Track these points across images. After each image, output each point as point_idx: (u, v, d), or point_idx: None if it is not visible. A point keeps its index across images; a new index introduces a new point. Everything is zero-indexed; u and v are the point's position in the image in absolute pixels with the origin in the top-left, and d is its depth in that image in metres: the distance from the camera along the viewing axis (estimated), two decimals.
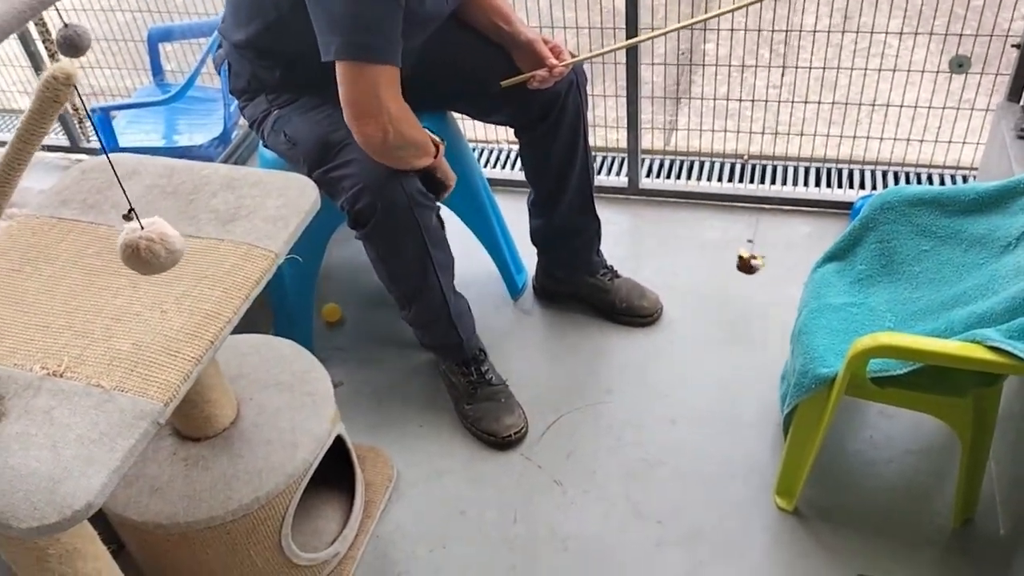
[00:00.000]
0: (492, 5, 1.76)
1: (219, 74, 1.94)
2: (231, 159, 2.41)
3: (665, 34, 1.79)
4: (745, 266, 2.11)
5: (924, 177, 2.38)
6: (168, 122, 2.55)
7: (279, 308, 2.04)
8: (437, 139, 1.65)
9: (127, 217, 0.93)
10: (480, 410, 1.83)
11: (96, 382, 1.07)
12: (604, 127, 2.50)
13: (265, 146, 1.79)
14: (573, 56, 1.76)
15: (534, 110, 1.80)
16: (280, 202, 1.33)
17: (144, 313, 1.17)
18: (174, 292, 1.20)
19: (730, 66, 2.46)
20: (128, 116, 2.56)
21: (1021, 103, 1.99)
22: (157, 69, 2.57)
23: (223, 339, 1.16)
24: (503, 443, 1.81)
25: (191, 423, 1.44)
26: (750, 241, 2.08)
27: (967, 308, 1.40)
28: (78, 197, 1.39)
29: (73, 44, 1.62)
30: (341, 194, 1.59)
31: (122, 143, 2.40)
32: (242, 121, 2.58)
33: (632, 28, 2.16)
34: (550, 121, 1.80)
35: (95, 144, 2.83)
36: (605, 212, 2.10)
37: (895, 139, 2.37)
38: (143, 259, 0.94)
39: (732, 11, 1.72)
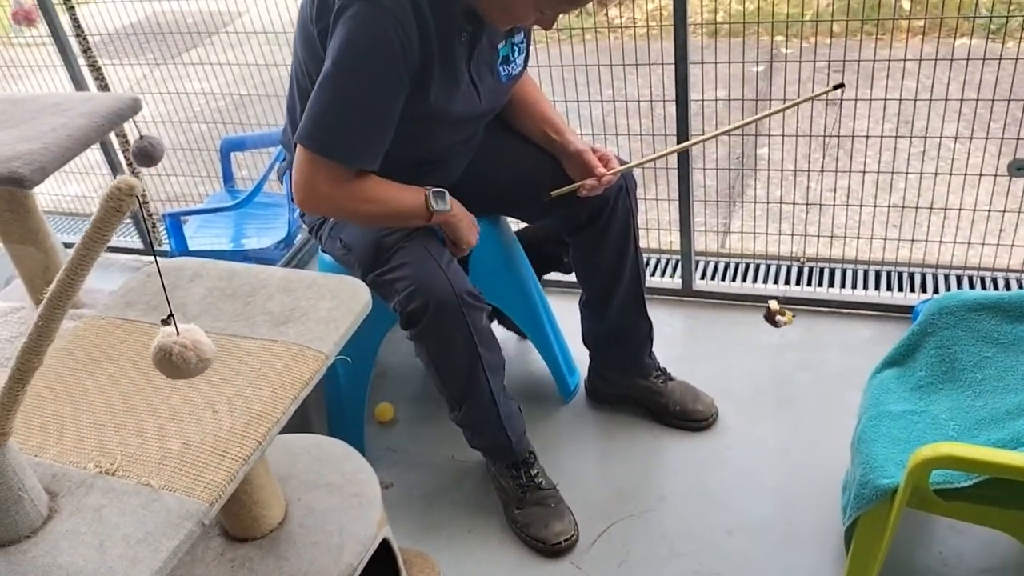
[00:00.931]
0: (543, 115, 1.82)
1: (282, 182, 2.02)
2: (293, 261, 2.49)
3: (710, 139, 1.83)
4: (770, 318, 2.07)
5: (988, 280, 2.32)
6: (236, 226, 2.66)
7: (333, 408, 2.07)
8: (432, 197, 1.63)
9: (165, 322, 0.97)
10: (529, 515, 1.80)
11: (146, 481, 1.09)
12: (658, 229, 2.52)
13: (323, 251, 1.85)
14: (622, 163, 1.80)
15: (583, 216, 1.83)
16: (333, 304, 1.37)
17: (196, 413, 1.19)
18: (226, 392, 1.22)
19: (783, 170, 2.48)
20: (199, 221, 2.68)
21: None
22: (228, 176, 2.70)
23: (271, 439, 1.17)
24: (553, 551, 1.77)
25: (239, 523, 1.44)
26: (776, 298, 2.07)
27: None
28: (143, 299, 1.45)
29: (147, 154, 1.72)
30: (394, 296, 1.63)
31: (192, 246, 2.51)
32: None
33: (683, 134, 2.20)
34: (599, 226, 1.83)
35: (167, 247, 2.96)
36: (659, 314, 2.10)
37: (955, 243, 2.33)
38: (173, 363, 0.97)
39: (783, 110, 1.75)
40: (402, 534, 1.83)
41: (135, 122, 1.82)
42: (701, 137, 1.87)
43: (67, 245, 1.95)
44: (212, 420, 1.18)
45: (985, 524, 1.43)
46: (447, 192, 1.66)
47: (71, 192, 3.43)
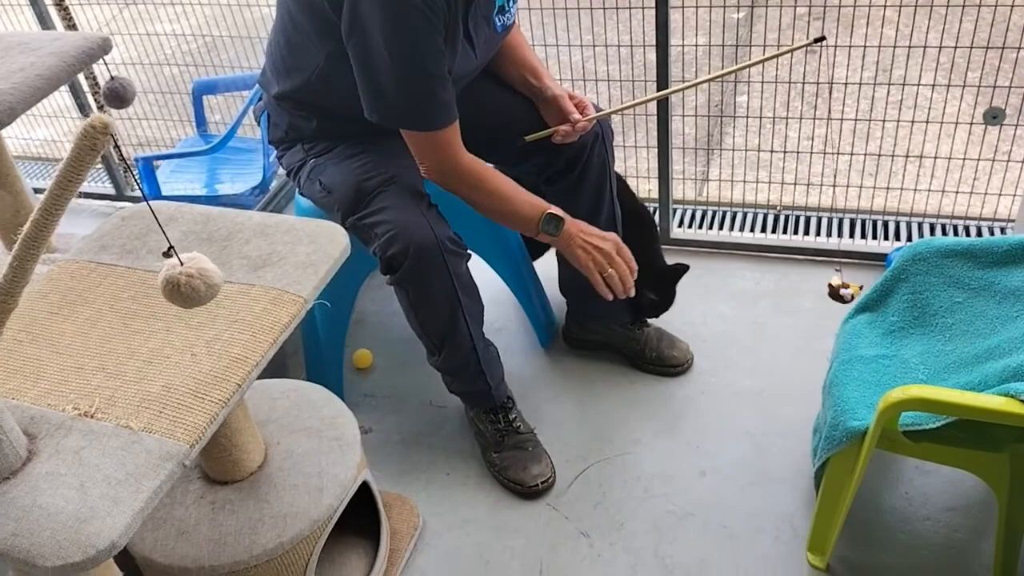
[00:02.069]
0: (523, 60, 1.80)
1: (259, 125, 1.99)
2: (269, 207, 2.47)
3: (690, 87, 1.82)
4: (835, 294, 2.08)
5: (960, 229, 2.35)
6: (210, 171, 2.63)
7: (311, 353, 2.07)
8: (544, 220, 1.66)
9: (167, 254, 0.96)
10: (507, 458, 1.83)
11: (125, 423, 1.09)
12: (636, 177, 2.51)
13: (301, 194, 1.83)
14: (598, 111, 1.79)
15: (559, 163, 1.82)
16: (311, 249, 1.36)
17: (175, 356, 1.19)
18: (205, 336, 1.22)
19: (761, 117, 2.48)
20: (172, 166, 2.64)
21: None
22: (201, 120, 2.65)
23: (250, 382, 1.17)
24: (530, 492, 1.80)
25: (219, 466, 1.45)
26: (838, 270, 2.06)
27: (1002, 361, 1.38)
28: (117, 243, 1.44)
29: (118, 96, 1.69)
30: (374, 240, 1.63)
31: (165, 192, 2.47)
32: (280, 170, 2.66)
33: (663, 82, 2.19)
34: (575, 174, 1.82)
35: (139, 193, 2.92)
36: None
37: (930, 191, 2.35)
38: (183, 294, 0.97)
39: (762, 62, 1.74)
40: (381, 477, 1.85)
41: (105, 63, 1.78)
42: (680, 86, 1.86)
43: (37, 191, 1.91)
44: (191, 363, 1.18)
45: (951, 464, 1.46)
46: (564, 220, 1.66)
47: (39, 136, 3.36)
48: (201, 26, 2.82)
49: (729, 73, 1.77)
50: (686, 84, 1.83)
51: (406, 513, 1.77)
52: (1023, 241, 1.49)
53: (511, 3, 1.69)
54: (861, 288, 2.02)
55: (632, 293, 1.71)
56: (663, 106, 2.25)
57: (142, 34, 2.85)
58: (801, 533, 1.67)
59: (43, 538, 0.96)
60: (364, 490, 1.61)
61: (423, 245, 1.59)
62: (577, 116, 1.73)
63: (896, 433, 1.40)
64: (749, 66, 1.75)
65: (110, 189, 2.98)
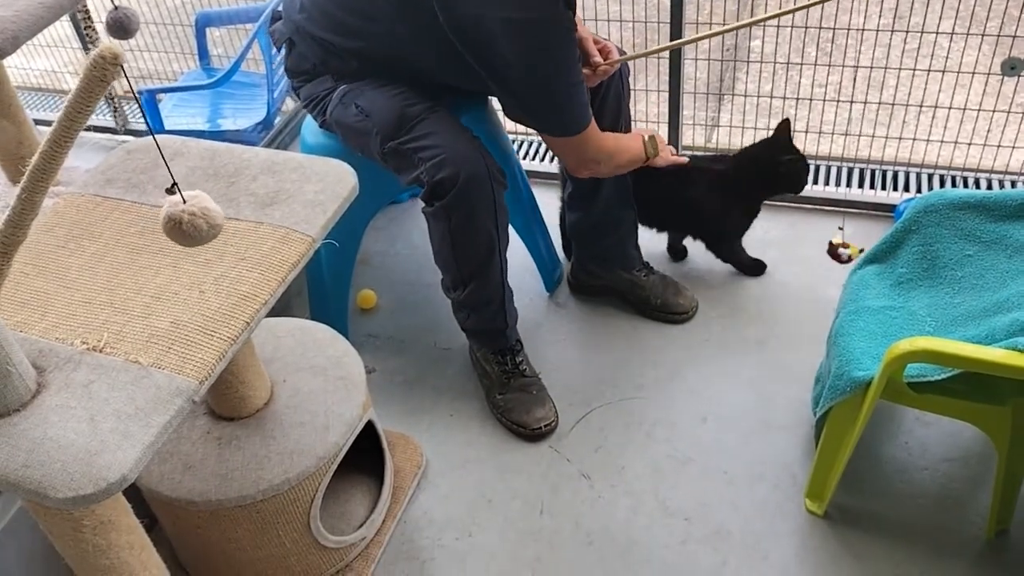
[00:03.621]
0: None
1: (265, 57, 1.94)
2: (273, 144, 2.44)
3: (713, 36, 1.78)
4: (834, 253, 2.06)
5: (972, 181, 2.33)
6: (213, 106, 2.59)
7: (315, 293, 2.06)
8: (648, 145, 1.82)
9: (170, 191, 0.95)
10: (512, 401, 1.84)
11: (134, 358, 1.09)
12: (645, 122, 2.48)
13: (322, 124, 1.79)
14: (622, 54, 1.76)
15: None
16: (319, 187, 1.35)
17: (183, 293, 1.19)
18: (213, 273, 1.21)
19: (775, 63, 2.44)
20: (174, 99, 2.60)
21: None
22: (204, 54, 2.61)
23: (259, 320, 1.17)
24: (533, 435, 1.81)
25: (225, 403, 1.46)
26: (841, 228, 2.04)
27: (1010, 315, 1.37)
28: (123, 177, 1.42)
29: (122, 26, 1.65)
30: (419, 165, 1.61)
31: (167, 126, 2.44)
32: (285, 107, 2.62)
33: (677, 24, 2.15)
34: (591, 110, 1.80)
35: (141, 126, 2.88)
36: None
37: (942, 142, 2.32)
38: (185, 232, 0.96)
39: (779, 15, 1.70)
40: (385, 417, 1.87)
41: None
42: (702, 34, 1.84)
43: (37, 122, 1.88)
44: (199, 300, 1.17)
45: (953, 416, 1.47)
46: (655, 136, 1.82)
47: (39, 67, 3.30)
48: None
49: (756, 23, 1.74)
50: (710, 33, 1.80)
51: (410, 452, 1.79)
52: None
53: None
54: (861, 250, 2.00)
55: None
56: (676, 50, 2.21)
57: None
58: (800, 480, 1.69)
59: (54, 470, 0.97)
60: (369, 429, 1.62)
61: (474, 172, 1.59)
62: (599, 59, 1.71)
63: (901, 384, 1.40)
64: (780, 15, 1.72)
65: (110, 122, 2.94)
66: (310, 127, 1.91)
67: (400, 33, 1.61)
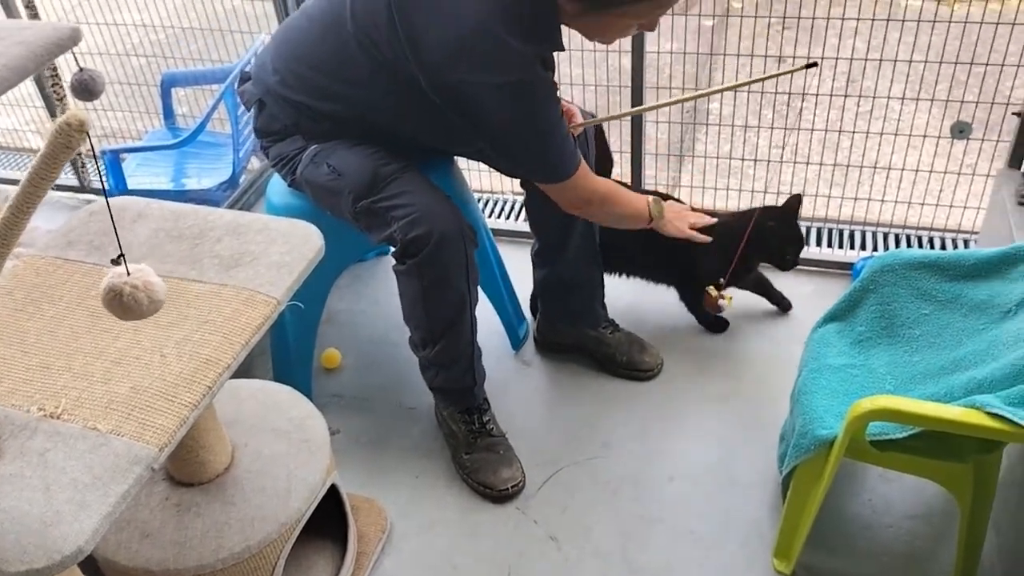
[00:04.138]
0: None
1: (247, 111, 1.93)
2: (238, 204, 2.43)
3: (676, 103, 1.84)
4: (713, 304, 2.04)
5: (925, 240, 2.39)
6: (177, 165, 2.58)
7: (278, 353, 2.04)
8: (652, 206, 1.81)
9: (116, 261, 0.94)
10: (478, 461, 1.82)
11: (93, 425, 1.07)
12: None
13: (292, 183, 1.79)
14: (586, 118, 1.80)
15: None
16: (285, 248, 1.34)
17: (144, 357, 1.17)
18: (175, 336, 1.20)
19: (733, 125, 2.50)
20: (138, 159, 2.59)
21: (1021, 170, 2.01)
22: (168, 113, 2.61)
23: (221, 385, 1.15)
24: (499, 496, 1.79)
25: (185, 468, 1.43)
26: (722, 280, 2.06)
27: (967, 373, 1.40)
28: (84, 239, 1.40)
29: (87, 88, 1.64)
30: (392, 223, 1.62)
31: (131, 185, 2.43)
32: (251, 166, 2.62)
33: (638, 88, 2.20)
34: None
35: (103, 185, 2.86)
36: None
37: (896, 201, 2.39)
38: (124, 305, 0.95)
39: (751, 83, 1.75)
40: (349, 480, 1.84)
41: (73, 54, 1.73)
42: (668, 100, 1.90)
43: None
44: (161, 364, 1.16)
45: (916, 474, 1.49)
46: (660, 202, 1.83)
47: (0, 125, 3.28)
48: (169, 17, 2.78)
49: (721, 91, 1.80)
50: (675, 100, 1.87)
51: (374, 516, 1.76)
52: (990, 255, 1.52)
53: None
54: (731, 299, 2.02)
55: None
56: (638, 113, 2.26)
57: (107, 24, 2.79)
58: (767, 539, 1.68)
59: (7, 542, 0.93)
60: (332, 492, 1.59)
61: (447, 230, 1.60)
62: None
63: (863, 442, 1.42)
64: (746, 84, 1.77)
65: (73, 180, 2.92)
66: (276, 187, 1.91)
67: (378, 96, 1.63)
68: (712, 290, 2.00)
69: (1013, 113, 2.01)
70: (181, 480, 1.45)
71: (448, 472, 1.88)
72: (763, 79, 1.70)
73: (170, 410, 1.09)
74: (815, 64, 1.67)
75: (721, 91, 1.81)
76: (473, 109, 1.54)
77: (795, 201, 1.99)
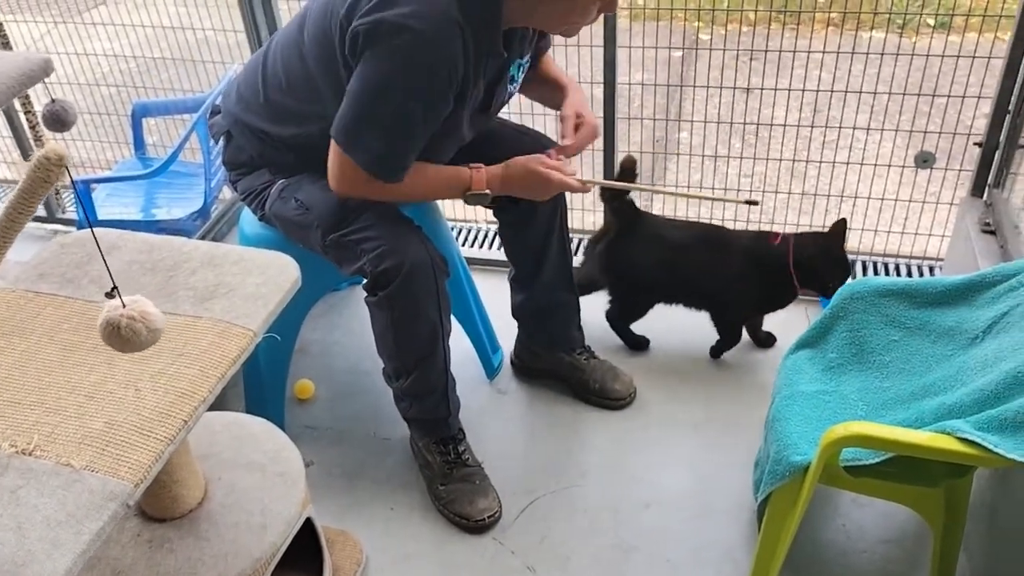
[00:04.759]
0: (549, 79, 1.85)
1: (203, 146, 1.94)
2: (210, 234, 2.42)
3: (657, 192, 1.88)
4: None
5: (892, 267, 2.44)
6: (148, 196, 2.57)
7: (252, 385, 2.02)
8: (468, 198, 1.67)
9: (110, 295, 0.93)
10: (454, 491, 1.81)
11: (66, 461, 1.05)
12: (581, 210, 2.54)
13: (261, 218, 1.79)
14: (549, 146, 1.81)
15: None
16: (260, 280, 1.34)
17: (118, 391, 1.15)
18: (149, 370, 1.18)
19: (703, 155, 2.54)
20: (108, 189, 2.57)
21: (984, 198, 2.06)
22: (139, 143, 2.59)
23: (197, 419, 1.14)
24: (476, 527, 1.79)
25: (157, 503, 1.40)
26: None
27: (937, 399, 1.43)
28: (56, 271, 1.39)
29: (59, 119, 1.63)
30: (361, 256, 1.61)
31: (101, 215, 2.41)
32: (223, 196, 2.61)
33: (609, 116, 2.23)
34: (529, 202, 1.83)
35: (72, 215, 2.83)
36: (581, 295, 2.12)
37: (864, 229, 2.43)
38: (123, 337, 0.94)
39: (700, 198, 1.79)
40: (324, 512, 1.82)
41: (45, 84, 1.72)
42: (648, 187, 2.23)
43: None
44: (135, 399, 1.14)
45: (889, 498, 1.51)
46: (488, 196, 1.67)
47: None
48: (142, 46, 2.77)
49: (673, 193, 1.91)
50: (653, 188, 2.14)
51: (349, 549, 1.74)
52: (957, 283, 1.56)
53: (520, 72, 1.72)
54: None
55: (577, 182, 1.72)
56: (609, 142, 2.29)
57: (76, 54, 2.78)
58: (743, 565, 1.69)
59: None
60: (307, 525, 1.57)
61: (417, 262, 1.59)
62: (549, 159, 1.70)
63: (837, 468, 1.43)
64: (696, 197, 1.82)
65: (42, 210, 2.88)
66: (248, 217, 1.91)
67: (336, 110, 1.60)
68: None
69: (974, 143, 2.07)
70: (153, 515, 1.42)
71: (424, 503, 1.87)
72: (710, 199, 1.73)
73: (145, 445, 1.08)
74: (756, 203, 1.72)
75: (673, 194, 1.96)
76: (369, 76, 1.49)
77: (841, 226, 1.92)
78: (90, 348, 1.23)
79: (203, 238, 2.39)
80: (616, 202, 2.06)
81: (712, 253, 2.05)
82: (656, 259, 2.06)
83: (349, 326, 2.38)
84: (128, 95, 2.79)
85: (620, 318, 2.21)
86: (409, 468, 1.95)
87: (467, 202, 1.68)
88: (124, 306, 0.94)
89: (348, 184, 1.60)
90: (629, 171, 1.98)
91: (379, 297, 1.63)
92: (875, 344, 1.61)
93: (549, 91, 1.86)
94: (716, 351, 2.19)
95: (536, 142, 1.86)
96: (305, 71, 1.61)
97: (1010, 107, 1.94)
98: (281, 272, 1.36)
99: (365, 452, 2.01)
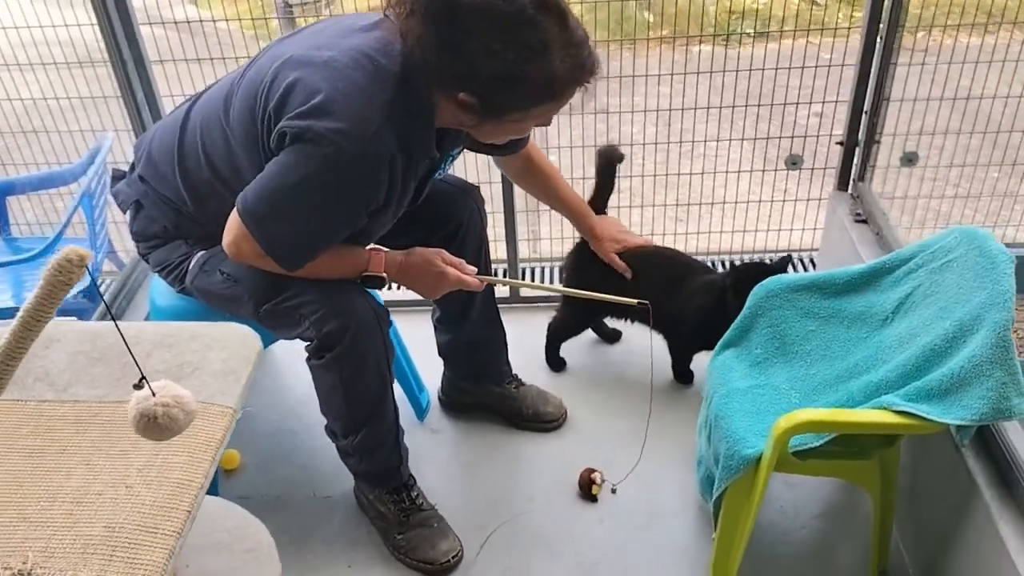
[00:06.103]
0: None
1: (124, 213, 1.80)
2: (107, 315, 2.27)
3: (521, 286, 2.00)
4: (586, 487, 1.96)
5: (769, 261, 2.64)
6: (15, 279, 2.38)
7: None
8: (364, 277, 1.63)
9: (138, 386, 0.89)
10: (414, 539, 1.80)
11: (73, 574, 0.98)
12: (549, 239, 2.61)
13: (181, 291, 1.71)
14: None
15: (438, 232, 1.85)
16: (224, 355, 1.30)
17: (107, 492, 1.09)
18: (135, 464, 1.13)
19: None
20: None
21: (849, 191, 2.28)
22: (4, 224, 2.40)
23: (199, 506, 1.10)
24: (442, 570, 1.78)
25: None
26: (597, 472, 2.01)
27: (862, 378, 1.57)
28: None
29: None
30: (302, 322, 1.58)
31: None
32: (107, 268, 2.46)
33: None
34: (455, 245, 1.86)
35: None
36: None
37: (744, 231, 2.62)
38: (161, 426, 0.90)
39: (588, 297, 1.87)
40: None
41: None
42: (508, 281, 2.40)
43: None
44: (129, 496, 1.09)
45: (834, 475, 1.64)
46: (384, 280, 1.62)
47: None
48: None
49: (561, 292, 2.14)
50: (561, 290, 2.21)
51: None
52: (859, 271, 1.72)
53: (449, 161, 1.73)
54: (606, 482, 1.96)
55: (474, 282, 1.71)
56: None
57: None
58: (700, 562, 1.78)
59: None
60: None
61: (363, 319, 1.57)
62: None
63: (787, 454, 1.55)
64: (585, 296, 1.87)
65: None
66: (160, 289, 1.82)
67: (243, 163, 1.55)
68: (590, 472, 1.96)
69: (836, 143, 2.29)
70: None
71: (382, 555, 1.84)
72: (602, 298, 1.79)
73: (154, 543, 1.03)
74: (647, 304, 1.74)
75: (561, 292, 2.16)
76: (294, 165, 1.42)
77: (784, 262, 2.00)
78: (59, 451, 1.16)
79: (101, 319, 2.25)
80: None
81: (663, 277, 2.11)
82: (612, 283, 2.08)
83: (264, 386, 2.31)
84: None
85: (562, 331, 2.28)
86: (358, 523, 1.91)
87: (362, 284, 1.62)
88: (154, 394, 0.90)
89: (242, 254, 1.52)
90: (617, 160, 2.11)
91: (326, 359, 1.61)
92: (795, 336, 1.75)
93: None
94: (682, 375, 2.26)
95: (466, 193, 1.90)
96: (228, 149, 1.54)
97: (865, 108, 2.16)
98: (243, 344, 1.33)
99: (308, 514, 1.95)
